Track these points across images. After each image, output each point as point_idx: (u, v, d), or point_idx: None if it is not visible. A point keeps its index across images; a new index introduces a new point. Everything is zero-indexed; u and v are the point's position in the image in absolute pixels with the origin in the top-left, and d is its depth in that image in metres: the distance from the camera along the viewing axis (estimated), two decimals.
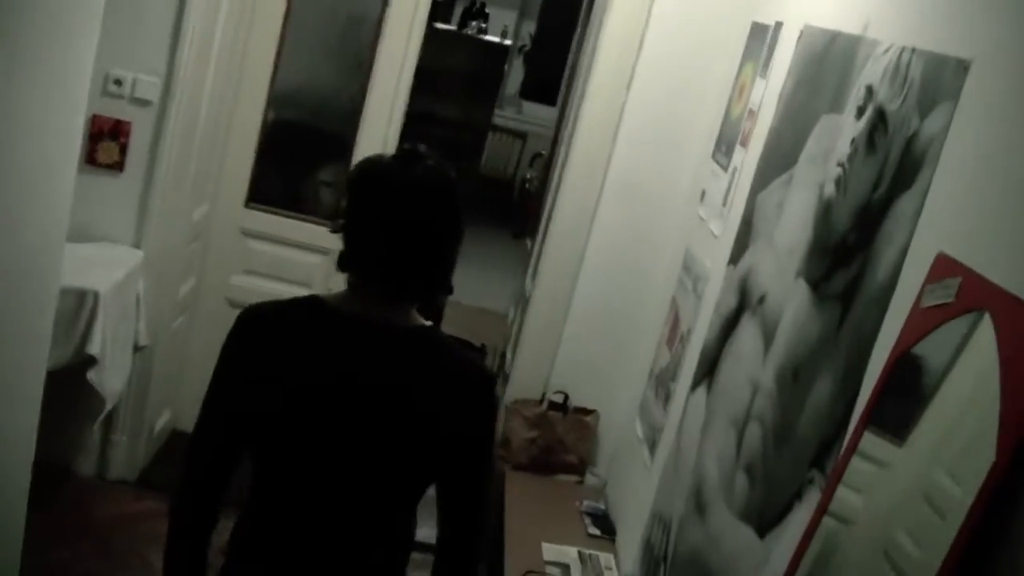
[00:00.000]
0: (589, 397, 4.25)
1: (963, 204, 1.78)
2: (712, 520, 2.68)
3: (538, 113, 11.38)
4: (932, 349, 1.72)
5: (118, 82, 4.12)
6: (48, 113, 2.70)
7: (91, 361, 3.81)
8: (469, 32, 11.10)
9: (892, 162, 2.08)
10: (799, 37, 2.98)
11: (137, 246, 4.25)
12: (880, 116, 2.19)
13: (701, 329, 3.27)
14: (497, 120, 11.36)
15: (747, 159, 3.23)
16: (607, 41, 4.13)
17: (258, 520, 2.18)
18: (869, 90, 2.29)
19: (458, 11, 11.28)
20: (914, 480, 1.69)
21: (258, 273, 4.91)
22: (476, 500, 2.19)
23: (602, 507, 3.98)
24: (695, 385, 3.16)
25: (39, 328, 2.93)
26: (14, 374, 2.83)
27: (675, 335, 3.63)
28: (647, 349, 4.01)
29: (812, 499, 2.04)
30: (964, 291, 1.65)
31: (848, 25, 2.59)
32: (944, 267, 1.74)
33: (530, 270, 4.81)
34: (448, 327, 5.30)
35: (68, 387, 3.68)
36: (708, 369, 3.06)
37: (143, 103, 4.16)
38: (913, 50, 2.12)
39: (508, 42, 11.38)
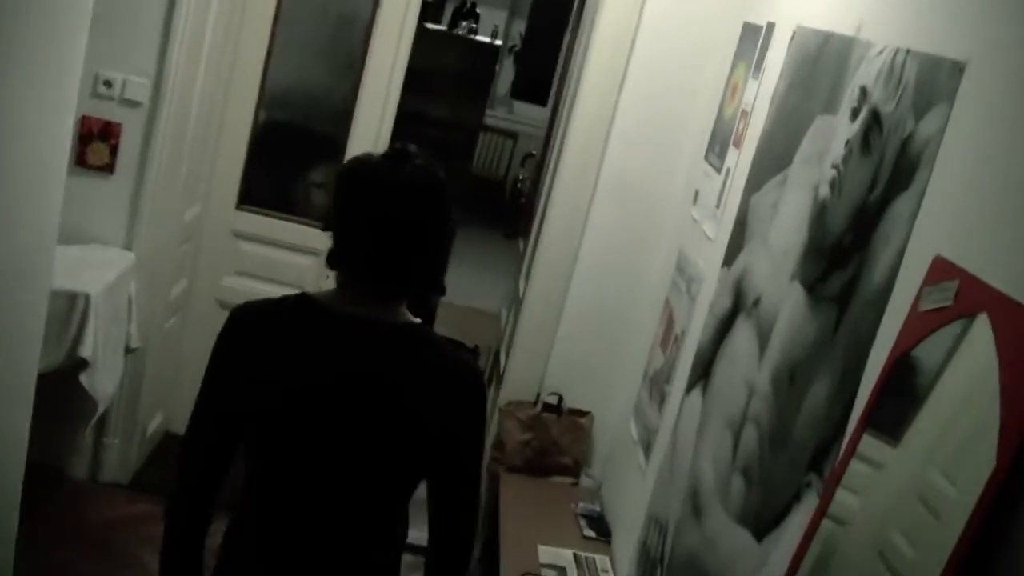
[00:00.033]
0: (583, 399, 4.24)
1: (960, 206, 1.78)
2: (708, 523, 2.67)
3: (529, 113, 11.38)
4: (930, 352, 1.72)
5: (108, 83, 4.11)
6: (38, 114, 2.69)
7: (83, 364, 3.80)
8: (460, 32, 11.09)
9: (887, 164, 2.07)
10: (791, 38, 2.97)
11: (128, 248, 4.23)
12: (875, 118, 2.19)
13: (695, 331, 3.26)
14: (488, 120, 11.35)
15: (740, 160, 3.22)
16: (599, 41, 4.12)
17: (251, 518, 2.19)
18: (863, 91, 2.28)
19: (448, 11, 11.27)
20: (909, 480, 1.69)
21: (250, 275, 4.90)
22: (467, 495, 2.21)
23: (597, 509, 3.98)
24: (690, 387, 3.15)
25: (31, 330, 2.92)
26: (6, 377, 2.82)
27: (669, 337, 3.62)
28: (641, 350, 4.00)
29: (810, 502, 2.03)
30: (962, 294, 1.64)
31: (841, 26, 2.59)
32: (941, 270, 1.73)
33: (523, 271, 4.80)
34: (441, 328, 5.32)
35: (60, 390, 3.66)
36: (703, 371, 3.05)
37: (133, 104, 4.14)
38: (907, 51, 2.11)
39: (499, 42, 11.37)
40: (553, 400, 4.21)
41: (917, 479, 1.66)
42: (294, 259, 4.91)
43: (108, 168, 4.17)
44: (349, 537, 2.16)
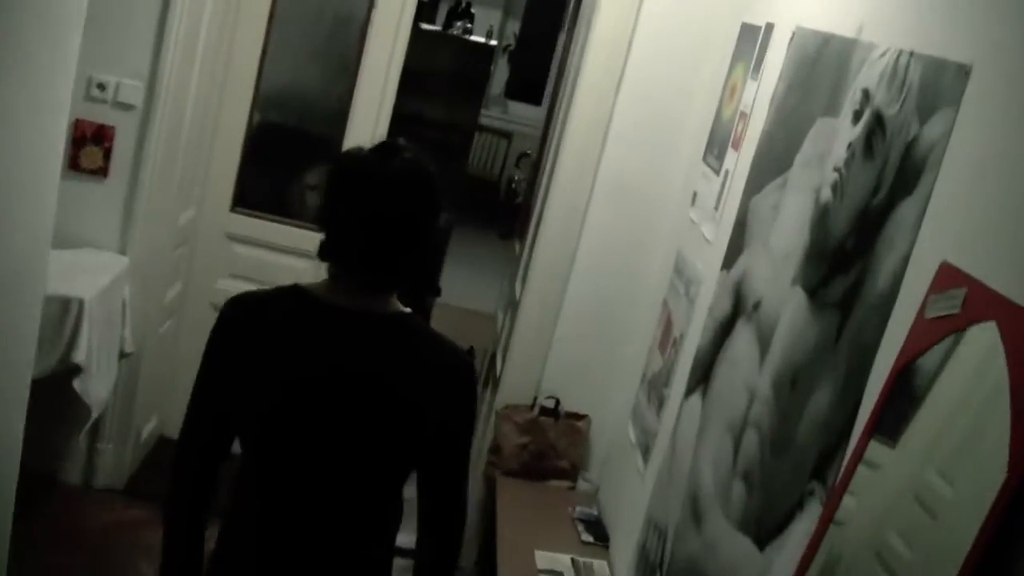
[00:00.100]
0: (580, 402, 4.22)
1: (967, 212, 1.75)
2: (709, 528, 2.65)
3: (523, 113, 11.35)
4: (933, 357, 1.69)
5: (101, 86, 4.07)
6: (32, 118, 2.67)
7: (76, 370, 3.77)
8: (455, 32, 11.05)
9: (891, 168, 2.05)
10: (791, 39, 2.95)
11: (122, 252, 4.20)
12: (878, 121, 2.16)
13: (694, 334, 3.24)
14: (483, 120, 11.32)
15: (739, 162, 3.19)
16: (596, 41, 4.10)
17: (246, 512, 2.21)
18: (866, 94, 2.26)
19: (443, 11, 11.24)
20: (906, 481, 1.69)
21: (244, 278, 4.86)
22: (456, 482, 2.24)
23: (595, 513, 3.95)
24: (689, 391, 3.13)
25: (25, 335, 2.90)
26: (0, 382, 2.80)
27: (667, 340, 3.60)
28: (638, 353, 3.98)
29: (813, 510, 2.01)
30: (970, 302, 1.62)
31: (841, 27, 2.56)
32: (948, 277, 1.71)
33: (519, 274, 4.77)
34: (435, 329, 5.26)
35: (53, 395, 3.64)
36: (702, 375, 3.03)
37: (127, 107, 4.11)
38: (911, 54, 2.09)
39: (494, 42, 11.34)
40: (550, 404, 4.18)
41: (914, 480, 1.66)
42: (289, 262, 4.87)
43: (102, 172, 4.14)
44: (343, 529, 2.18)
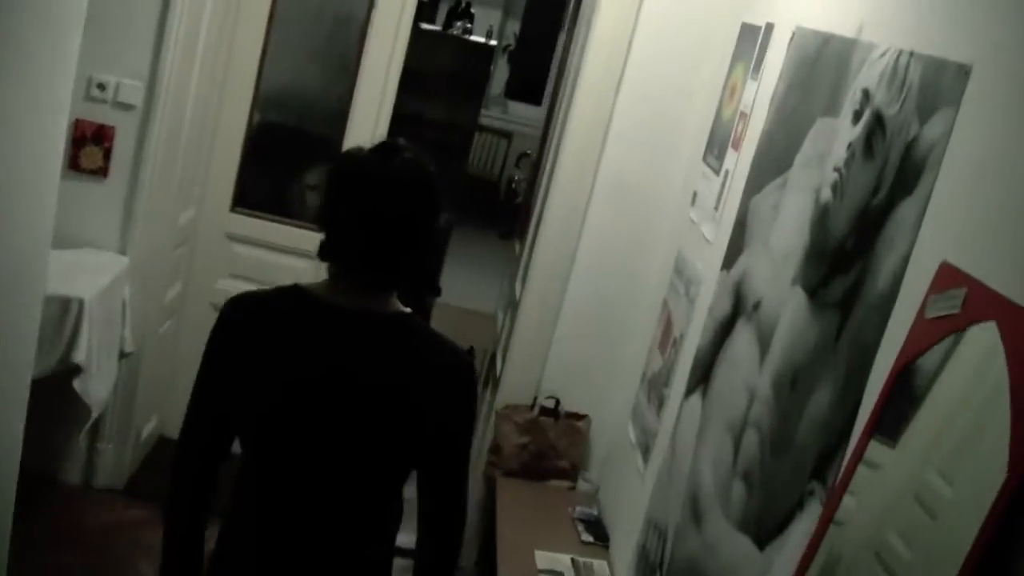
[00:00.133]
0: (580, 401, 4.22)
1: (967, 212, 1.75)
2: (709, 528, 2.65)
3: (523, 113, 11.35)
4: (932, 356, 1.69)
5: (101, 86, 4.07)
6: (32, 118, 2.67)
7: (76, 370, 3.76)
8: (455, 32, 11.05)
9: (891, 168, 2.05)
10: (791, 39, 2.95)
11: (122, 252, 4.20)
12: (878, 121, 2.16)
13: (694, 334, 3.24)
14: (483, 120, 11.32)
15: (739, 162, 3.19)
16: (596, 41, 4.10)
17: (246, 511, 2.22)
18: (866, 94, 2.26)
19: (443, 11, 11.23)
20: (906, 481, 1.69)
21: (244, 278, 4.86)
22: (456, 481, 2.24)
23: (595, 513, 3.95)
24: (689, 391, 3.13)
25: (25, 335, 2.90)
26: (0, 381, 2.80)
27: (667, 339, 3.60)
28: (638, 353, 3.98)
29: (813, 510, 2.01)
30: (970, 302, 1.62)
31: (841, 27, 2.56)
32: (948, 277, 1.71)
33: (519, 274, 4.77)
34: (435, 329, 5.26)
35: (53, 395, 3.64)
36: (702, 375, 3.03)
37: (127, 107, 4.11)
38: (911, 54, 2.09)
39: (494, 42, 11.34)
40: (550, 404, 4.18)
41: (914, 480, 1.66)
42: (289, 262, 4.87)
43: (102, 172, 4.14)
44: (343, 529, 2.19)
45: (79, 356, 3.74)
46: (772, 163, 2.83)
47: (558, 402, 4.18)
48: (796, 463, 2.17)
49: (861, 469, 1.85)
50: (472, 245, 9.07)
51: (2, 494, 2.92)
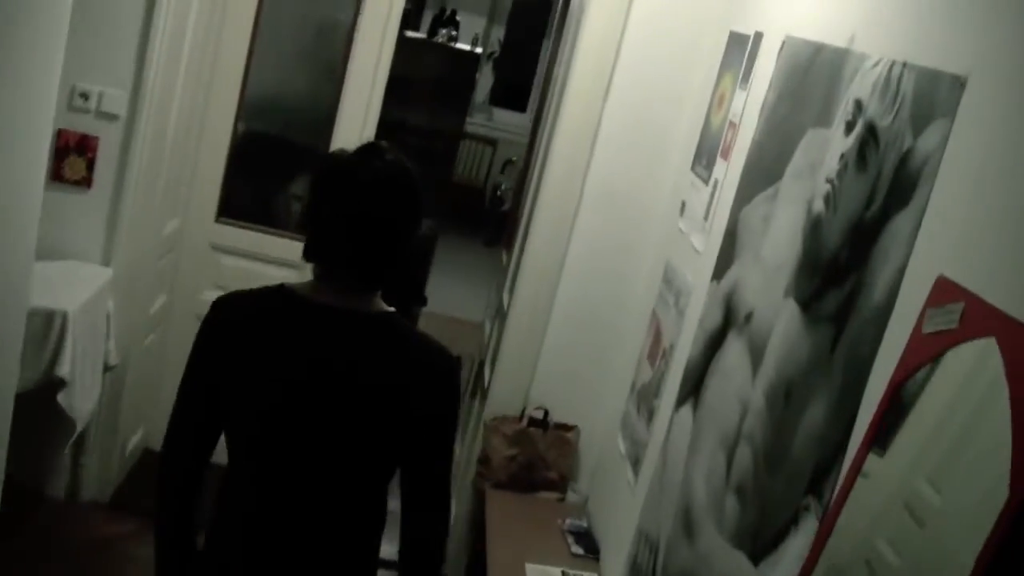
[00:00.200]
0: (569, 412, 4.19)
1: (964, 225, 1.73)
2: (701, 542, 2.63)
3: (508, 119, 11.34)
4: (935, 375, 1.68)
5: (84, 96, 4.04)
6: (14, 128, 2.64)
7: (60, 383, 3.72)
8: (439, 40, 11.02)
9: (885, 179, 2.03)
10: (781, 48, 2.93)
11: (106, 263, 4.16)
12: (871, 132, 2.15)
13: (684, 345, 3.22)
14: (468, 127, 11.30)
15: (729, 172, 3.18)
16: (584, 49, 4.08)
17: (233, 508, 2.25)
18: (858, 105, 2.24)
19: (427, 18, 11.21)
20: (896, 489, 1.69)
21: (229, 289, 4.81)
22: (440, 481, 2.27)
23: (584, 524, 3.93)
24: (680, 402, 3.11)
25: (9, 349, 2.88)
26: None
27: (657, 350, 3.57)
28: (627, 363, 3.96)
29: (809, 526, 1.99)
30: (968, 317, 1.60)
31: (832, 37, 2.55)
32: (945, 291, 1.69)
33: (507, 283, 4.74)
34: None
35: (37, 409, 3.60)
36: (693, 386, 3.00)
37: (110, 117, 4.08)
38: (904, 64, 2.07)
39: (479, 50, 11.32)
40: (539, 414, 4.15)
41: (904, 488, 1.66)
42: (275, 272, 4.82)
43: (85, 182, 4.10)
44: (328, 526, 2.21)
45: (63, 370, 3.70)
46: (762, 173, 2.82)
47: (547, 413, 4.16)
48: (791, 478, 2.14)
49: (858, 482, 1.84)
50: (458, 253, 9.05)
51: None
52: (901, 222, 1.92)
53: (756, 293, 2.64)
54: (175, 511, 2.28)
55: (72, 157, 4.08)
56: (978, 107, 1.78)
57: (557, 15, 6.02)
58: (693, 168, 3.66)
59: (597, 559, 3.74)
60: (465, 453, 4.59)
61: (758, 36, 3.22)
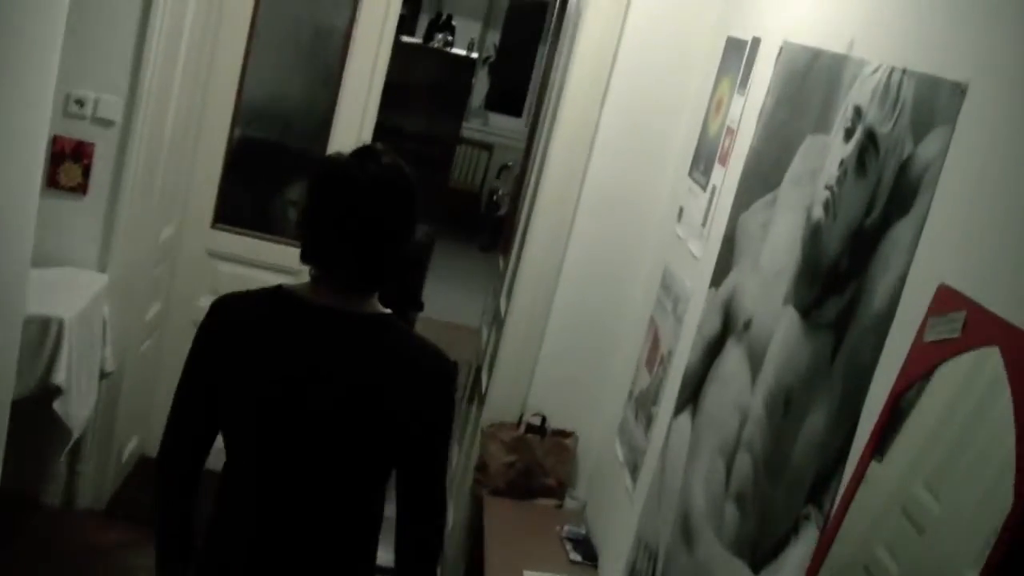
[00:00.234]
0: (567, 418, 4.18)
1: (966, 232, 1.72)
2: (701, 550, 2.62)
3: (504, 124, 11.34)
4: (936, 384, 1.67)
5: (80, 102, 4.02)
6: (10, 135, 2.63)
7: (56, 391, 3.70)
8: (435, 45, 11.00)
9: (885, 186, 2.02)
10: (779, 54, 2.93)
11: (102, 270, 4.15)
12: (870, 138, 2.14)
13: (683, 352, 3.21)
14: (464, 132, 11.29)
15: (727, 178, 3.17)
16: (581, 54, 4.07)
17: (230, 506, 2.27)
18: (857, 111, 2.23)
19: (423, 23, 11.19)
20: (894, 495, 1.69)
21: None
22: (435, 481, 2.28)
23: (583, 531, 3.91)
24: (679, 410, 3.10)
25: (5, 356, 2.86)
26: None
27: (655, 356, 3.56)
28: (625, 369, 3.94)
29: (809, 536, 1.98)
30: (970, 326, 1.59)
31: (831, 43, 2.54)
32: (946, 300, 1.68)
33: (504, 289, 4.73)
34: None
35: (33, 416, 3.58)
36: (692, 393, 2.99)
37: (106, 123, 4.07)
38: (904, 71, 2.06)
39: (475, 55, 11.30)
40: (536, 421, 4.14)
41: (902, 494, 1.66)
42: (271, 278, 4.72)
43: (81, 189, 4.09)
44: (324, 526, 2.23)
45: (59, 377, 3.68)
46: (761, 180, 2.81)
47: (544, 419, 4.14)
48: (791, 486, 2.13)
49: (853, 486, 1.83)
50: (454, 258, 9.04)
51: None
52: (902, 230, 1.92)
53: (755, 300, 2.63)
54: (174, 513, 2.31)
55: (68, 164, 4.06)
56: (979, 114, 1.77)
57: (553, 20, 6.02)
58: (691, 174, 3.65)
59: (595, 566, 3.72)
60: (463, 460, 4.58)
61: (755, 41, 3.21)
